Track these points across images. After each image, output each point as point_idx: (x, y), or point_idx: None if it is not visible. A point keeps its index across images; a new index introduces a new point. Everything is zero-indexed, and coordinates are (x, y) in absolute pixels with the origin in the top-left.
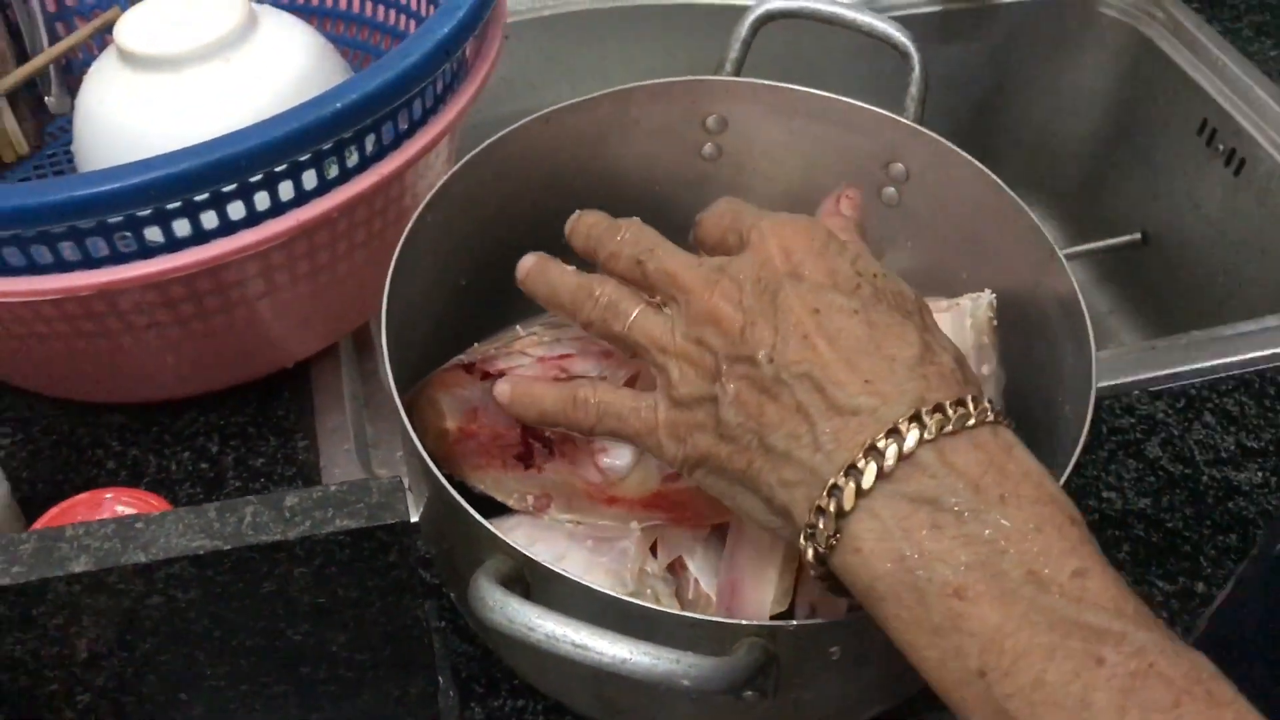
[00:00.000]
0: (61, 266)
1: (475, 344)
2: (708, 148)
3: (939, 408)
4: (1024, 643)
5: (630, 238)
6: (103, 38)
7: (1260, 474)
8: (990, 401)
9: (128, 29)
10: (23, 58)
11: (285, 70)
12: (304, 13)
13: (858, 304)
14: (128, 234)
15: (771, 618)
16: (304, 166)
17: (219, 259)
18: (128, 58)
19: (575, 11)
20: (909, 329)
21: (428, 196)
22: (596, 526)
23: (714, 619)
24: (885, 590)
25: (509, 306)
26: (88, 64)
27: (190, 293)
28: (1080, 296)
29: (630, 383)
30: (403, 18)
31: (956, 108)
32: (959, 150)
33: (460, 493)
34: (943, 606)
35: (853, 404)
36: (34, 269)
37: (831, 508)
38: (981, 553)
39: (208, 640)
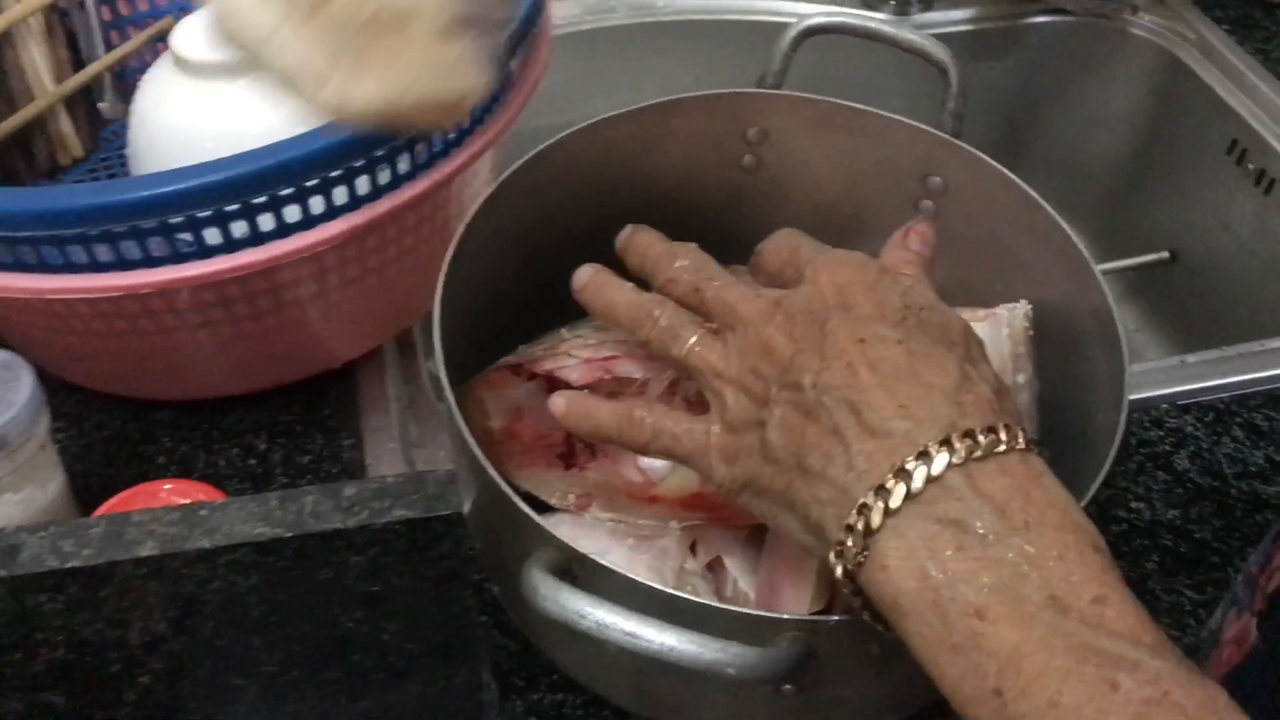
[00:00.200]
0: (123, 265)
1: (520, 346)
2: (747, 159)
3: (969, 433)
4: (1041, 665)
5: (691, 265)
6: (155, 46)
7: None
8: (1024, 430)
9: (184, 37)
10: (78, 65)
11: None
12: None
13: (902, 334)
14: (188, 235)
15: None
16: (358, 172)
17: (275, 260)
18: (183, 64)
19: (613, 26)
20: (949, 359)
21: (476, 204)
22: (637, 525)
23: (757, 612)
24: (909, 606)
25: (553, 311)
26: (139, 71)
27: (245, 293)
28: (1115, 310)
29: (673, 386)
30: None
31: (988, 124)
32: (995, 164)
33: None
34: (963, 625)
35: (886, 426)
36: (96, 267)
37: (860, 526)
38: (1004, 575)
39: (264, 626)
